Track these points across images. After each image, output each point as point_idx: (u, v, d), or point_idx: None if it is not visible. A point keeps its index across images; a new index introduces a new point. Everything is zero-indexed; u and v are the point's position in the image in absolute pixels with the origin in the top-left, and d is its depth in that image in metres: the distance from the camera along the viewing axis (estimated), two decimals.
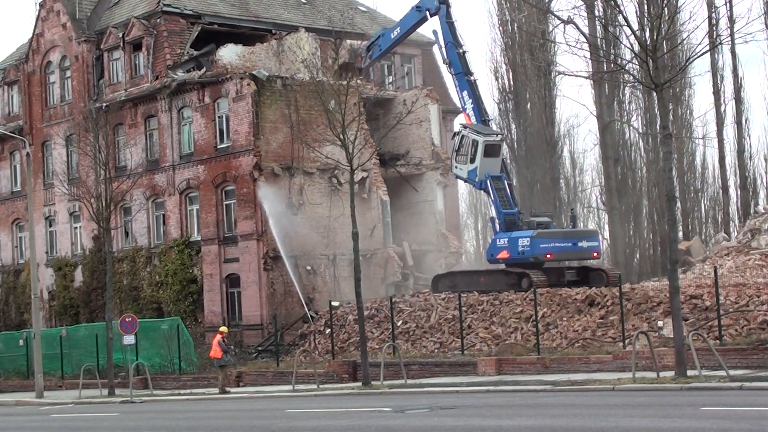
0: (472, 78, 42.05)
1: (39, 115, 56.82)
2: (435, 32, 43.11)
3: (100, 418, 29.81)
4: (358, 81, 43.52)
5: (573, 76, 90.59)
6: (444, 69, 51.40)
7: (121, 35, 51.81)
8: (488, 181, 40.27)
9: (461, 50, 42.12)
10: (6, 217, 59.47)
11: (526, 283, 38.23)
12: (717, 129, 59.30)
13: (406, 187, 52.92)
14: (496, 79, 63.47)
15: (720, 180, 60.74)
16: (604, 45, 48.76)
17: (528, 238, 38.75)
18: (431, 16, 43.14)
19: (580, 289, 36.77)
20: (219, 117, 48.57)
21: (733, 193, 61.12)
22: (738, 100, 59.07)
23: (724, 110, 59.50)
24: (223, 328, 38.54)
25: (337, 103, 34.22)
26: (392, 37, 45.60)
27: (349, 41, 44.82)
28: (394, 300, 39.40)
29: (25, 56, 57.76)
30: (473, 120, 41.55)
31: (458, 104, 45.17)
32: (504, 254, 39.69)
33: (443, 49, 42.45)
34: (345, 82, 34.72)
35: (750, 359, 27.77)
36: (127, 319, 38.57)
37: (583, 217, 67.90)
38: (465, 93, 41.84)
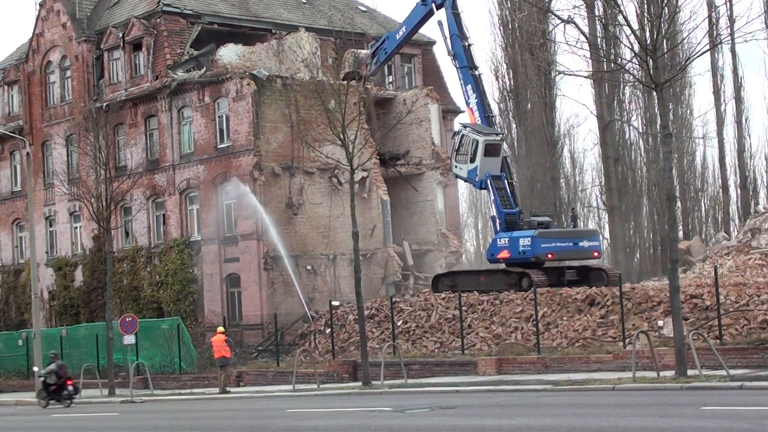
0: (476, 72, 41.29)
1: (39, 115, 56.78)
2: (440, 23, 41.93)
3: (100, 418, 29.81)
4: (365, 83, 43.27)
5: (573, 75, 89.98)
6: (444, 68, 51.44)
7: (121, 35, 51.78)
8: (488, 181, 40.10)
9: (466, 43, 41.24)
10: (6, 217, 59.43)
11: (527, 282, 38.14)
12: (717, 128, 59.45)
13: (406, 186, 52.90)
14: (497, 78, 63.40)
15: (720, 179, 60.84)
16: (604, 44, 48.70)
17: (529, 238, 38.68)
18: (437, 9, 42.10)
19: (581, 288, 36.72)
20: (219, 117, 48.57)
21: (733, 192, 61.24)
22: (738, 99, 59.17)
23: (724, 110, 59.65)
24: (221, 328, 38.36)
25: (337, 103, 34.22)
26: (398, 38, 44.46)
27: (351, 50, 44.46)
28: (394, 300, 39.38)
29: (25, 56, 57.72)
30: (477, 115, 41.01)
31: (459, 103, 44.99)
32: (505, 254, 39.60)
33: (448, 41, 41.40)
34: (345, 82, 34.67)
35: (750, 359, 27.75)
36: (127, 319, 38.54)
37: (583, 216, 67.83)
38: (469, 87, 41.11)
